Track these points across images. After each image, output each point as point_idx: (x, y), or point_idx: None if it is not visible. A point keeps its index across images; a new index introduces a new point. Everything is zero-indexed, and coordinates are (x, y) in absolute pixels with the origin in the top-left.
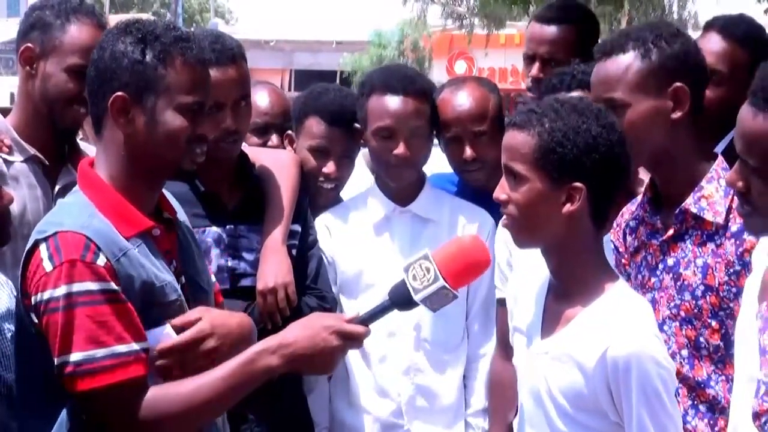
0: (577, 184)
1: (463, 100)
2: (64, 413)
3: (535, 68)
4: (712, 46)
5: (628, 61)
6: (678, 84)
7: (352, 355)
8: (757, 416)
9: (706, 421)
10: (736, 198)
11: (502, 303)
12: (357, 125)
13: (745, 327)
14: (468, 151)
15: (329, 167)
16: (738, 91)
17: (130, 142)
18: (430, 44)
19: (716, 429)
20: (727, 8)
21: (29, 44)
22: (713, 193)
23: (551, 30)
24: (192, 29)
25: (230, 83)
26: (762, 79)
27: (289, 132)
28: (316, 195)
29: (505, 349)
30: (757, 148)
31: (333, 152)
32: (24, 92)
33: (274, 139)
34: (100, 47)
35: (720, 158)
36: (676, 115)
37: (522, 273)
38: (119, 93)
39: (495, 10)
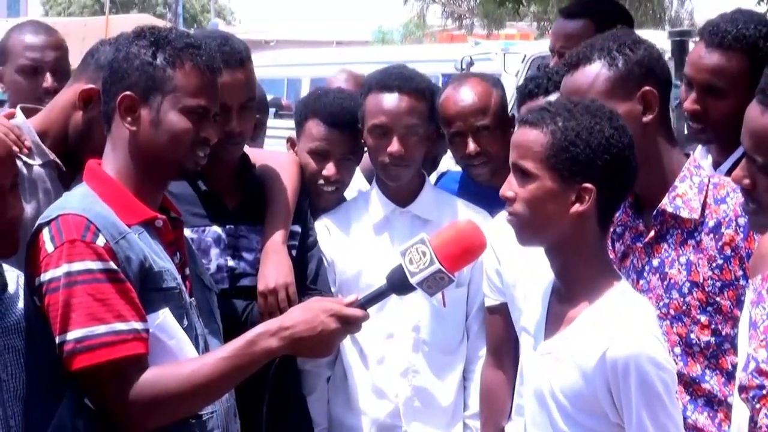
0: (588, 184)
1: (465, 95)
2: (66, 396)
3: (552, 62)
4: (704, 61)
5: (595, 70)
6: (646, 88)
7: (351, 357)
8: (743, 389)
9: (705, 414)
10: (741, 196)
11: (491, 311)
12: (359, 125)
13: (747, 321)
14: (471, 146)
15: (329, 169)
16: (743, 99)
17: (135, 140)
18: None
19: (716, 421)
20: (727, 8)
21: (92, 85)
22: (687, 191)
23: (568, 25)
24: (200, 31)
25: (238, 87)
26: None
27: (291, 135)
28: (317, 198)
29: (495, 356)
30: (764, 146)
31: (333, 154)
32: (64, 111)
33: None
34: (116, 49)
35: (692, 157)
36: (647, 118)
37: (530, 273)
38: (127, 92)
39: (488, 9)
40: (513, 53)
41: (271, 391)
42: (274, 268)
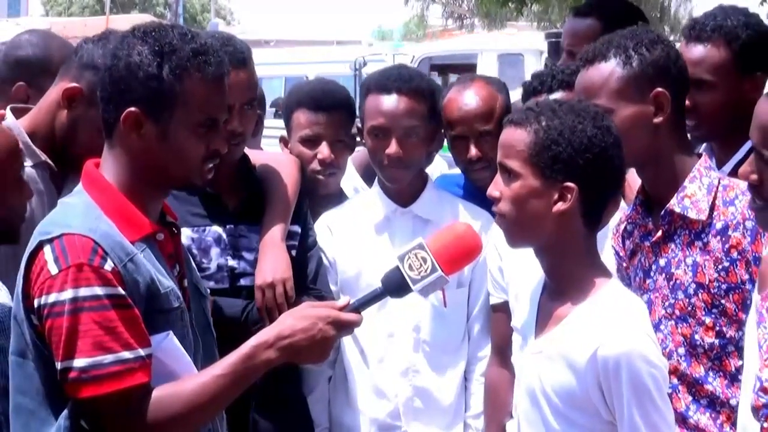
0: (569, 183)
1: (469, 99)
2: (62, 418)
3: (561, 60)
4: (686, 55)
5: (610, 68)
6: (659, 89)
7: (352, 356)
8: (754, 410)
9: (708, 415)
10: (748, 192)
11: (496, 309)
12: (343, 110)
13: (752, 325)
14: (473, 150)
15: (322, 152)
16: (729, 89)
17: (141, 154)
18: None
19: (718, 422)
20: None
21: (76, 84)
22: (696, 192)
23: (577, 23)
24: (202, 32)
25: (240, 87)
26: None
27: (283, 135)
28: (316, 186)
29: (500, 355)
30: None
31: (324, 137)
32: (50, 111)
33: None
34: (115, 55)
35: (703, 158)
36: (658, 119)
37: (521, 272)
38: (133, 108)
39: (490, 9)
40: (402, 54)
41: (259, 395)
42: (272, 262)
